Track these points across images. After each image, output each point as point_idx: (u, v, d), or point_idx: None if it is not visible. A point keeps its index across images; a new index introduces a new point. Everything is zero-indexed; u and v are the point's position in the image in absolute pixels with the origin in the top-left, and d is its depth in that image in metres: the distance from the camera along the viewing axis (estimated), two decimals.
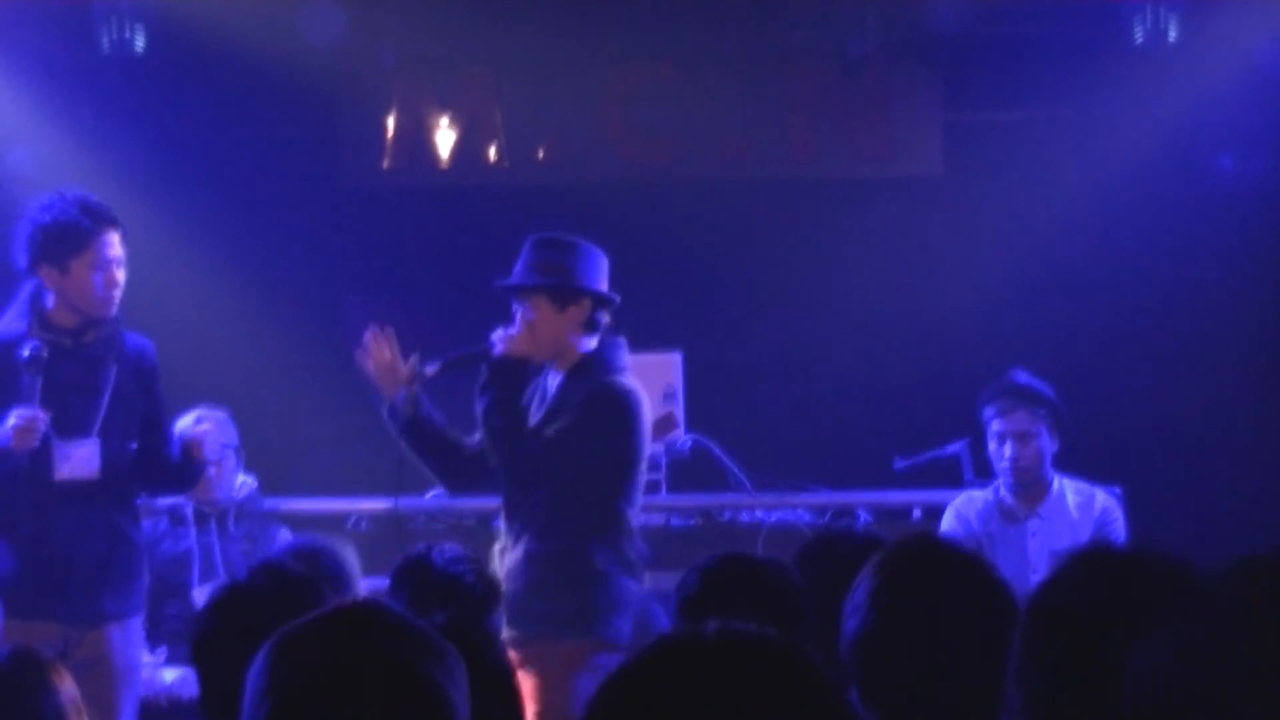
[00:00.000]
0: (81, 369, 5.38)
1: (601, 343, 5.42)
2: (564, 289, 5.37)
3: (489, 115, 8.47)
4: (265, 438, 6.78)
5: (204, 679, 3.00)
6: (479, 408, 5.34)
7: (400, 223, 8.41)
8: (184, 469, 5.59)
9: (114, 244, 5.38)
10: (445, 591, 3.61)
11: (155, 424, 5.52)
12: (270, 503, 6.59)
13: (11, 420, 5.19)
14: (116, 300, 5.40)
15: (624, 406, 5.33)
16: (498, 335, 5.39)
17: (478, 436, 5.46)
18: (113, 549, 5.38)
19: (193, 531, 6.37)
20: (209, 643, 2.99)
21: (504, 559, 5.33)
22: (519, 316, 5.39)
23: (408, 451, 5.50)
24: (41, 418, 5.22)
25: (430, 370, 5.42)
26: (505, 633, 4.95)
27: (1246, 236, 8.08)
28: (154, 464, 5.50)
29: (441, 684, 1.97)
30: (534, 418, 5.41)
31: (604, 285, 5.45)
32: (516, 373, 5.38)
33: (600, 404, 5.31)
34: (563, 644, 5.15)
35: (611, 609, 5.24)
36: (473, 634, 2.55)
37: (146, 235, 8.01)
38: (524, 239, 5.50)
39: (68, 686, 3.25)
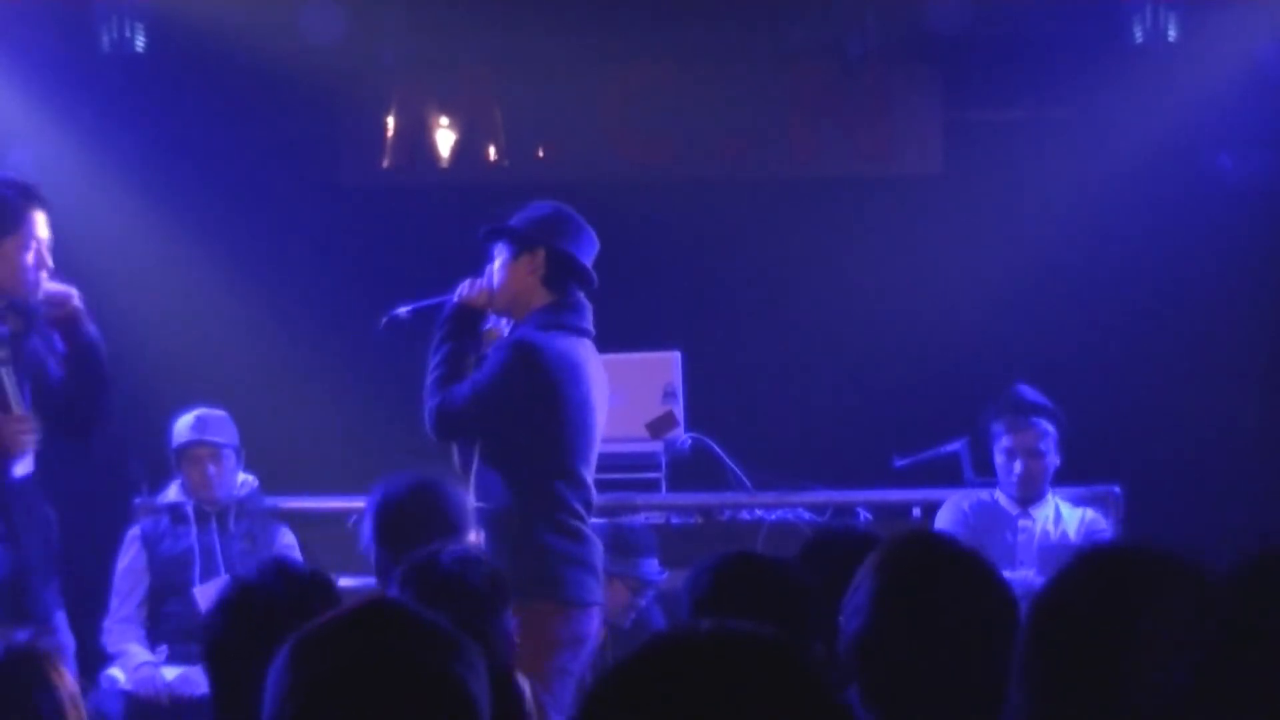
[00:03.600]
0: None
1: (557, 301, 5.26)
2: (515, 234, 5.29)
3: (489, 115, 8.46)
4: (265, 437, 6.78)
5: (215, 680, 2.99)
6: (430, 357, 5.26)
7: (400, 222, 8.40)
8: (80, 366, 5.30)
9: (42, 224, 5.26)
10: (452, 590, 3.59)
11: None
12: (271, 501, 6.60)
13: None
14: (43, 283, 5.26)
15: (530, 364, 5.12)
16: (463, 285, 5.35)
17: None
18: (49, 547, 5.29)
19: (193, 530, 6.38)
20: (220, 643, 2.98)
21: None
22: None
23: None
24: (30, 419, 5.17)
25: (404, 312, 5.40)
26: None
27: (1246, 236, 8.07)
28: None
29: (464, 680, 1.96)
30: None
31: (578, 253, 5.30)
32: (473, 323, 5.31)
33: (508, 361, 5.14)
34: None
35: (566, 565, 5.10)
36: (475, 633, 2.54)
37: (147, 235, 8.06)
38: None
39: (67, 683, 3.24)
